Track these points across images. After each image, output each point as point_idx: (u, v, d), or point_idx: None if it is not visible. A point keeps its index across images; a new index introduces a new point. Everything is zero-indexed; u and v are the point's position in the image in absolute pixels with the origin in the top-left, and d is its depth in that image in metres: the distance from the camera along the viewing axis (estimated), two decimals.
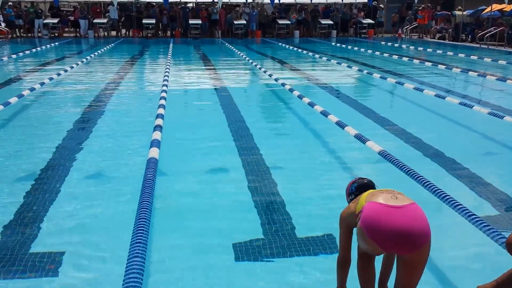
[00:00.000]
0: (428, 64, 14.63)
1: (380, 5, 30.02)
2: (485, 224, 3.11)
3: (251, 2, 27.53)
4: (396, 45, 22.99)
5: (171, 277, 3.17)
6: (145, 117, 7.40)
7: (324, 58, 16.42)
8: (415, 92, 9.48)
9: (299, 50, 19.97)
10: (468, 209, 3.29)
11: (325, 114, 6.78)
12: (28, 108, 8.39)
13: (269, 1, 25.58)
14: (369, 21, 28.91)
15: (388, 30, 30.69)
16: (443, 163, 5.49)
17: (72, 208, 4.18)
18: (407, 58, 15.96)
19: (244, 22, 26.96)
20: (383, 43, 24.24)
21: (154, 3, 27.81)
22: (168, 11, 26.92)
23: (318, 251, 3.49)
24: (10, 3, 26.01)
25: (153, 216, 3.70)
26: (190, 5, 28.63)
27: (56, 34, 26.25)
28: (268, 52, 19.98)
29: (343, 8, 29.59)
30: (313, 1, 27.95)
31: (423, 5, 27.64)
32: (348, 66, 14.29)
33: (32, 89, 8.99)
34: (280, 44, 22.82)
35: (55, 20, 25.88)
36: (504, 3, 21.81)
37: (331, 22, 28.20)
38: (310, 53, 18.06)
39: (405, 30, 27.92)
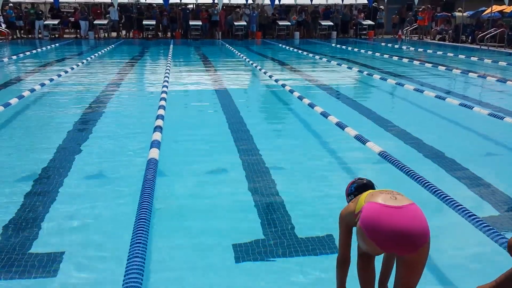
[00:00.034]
0: (428, 65, 14.64)
1: (380, 7, 30.04)
2: (485, 224, 3.11)
3: (251, 4, 27.54)
4: (396, 46, 23.00)
5: (171, 277, 3.17)
6: (145, 118, 7.40)
7: (324, 59, 16.43)
8: (415, 93, 9.48)
9: (299, 51, 19.99)
10: (468, 210, 3.30)
11: (325, 115, 6.78)
12: (29, 109, 8.40)
13: (269, 3, 25.59)
14: (369, 22, 28.94)
15: (388, 31, 30.72)
16: (443, 163, 5.49)
17: (72, 208, 4.19)
18: (407, 59, 15.97)
19: (245, 23, 26.98)
20: (383, 44, 24.26)
21: (154, 4, 27.83)
22: (168, 12, 26.94)
23: (318, 251, 3.49)
24: (11, 4, 26.02)
25: (153, 217, 3.70)
26: (190, 6, 28.64)
27: (57, 35, 26.28)
28: (268, 53, 20.00)
29: (343, 9, 29.61)
30: (313, 3, 27.94)
31: (423, 7, 27.65)
32: (348, 67, 14.30)
33: (32, 90, 9.00)
34: (280, 45, 22.84)
35: (56, 21, 25.90)
36: (504, 4, 21.81)
37: (331, 23, 28.22)
38: (310, 54, 18.07)
39: (405, 31, 27.93)
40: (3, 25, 24.96)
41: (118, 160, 5.55)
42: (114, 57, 17.53)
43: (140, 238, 2.71)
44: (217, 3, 24.79)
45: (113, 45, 21.29)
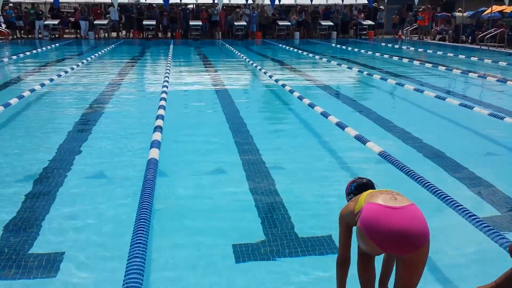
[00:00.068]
0: (429, 65, 14.64)
1: (380, 7, 30.04)
2: (486, 224, 3.11)
3: (251, 4, 27.55)
4: (396, 46, 23.00)
5: (171, 277, 3.17)
6: (146, 118, 7.40)
7: (324, 59, 16.43)
8: (415, 93, 9.48)
9: (299, 51, 19.99)
10: (468, 210, 3.29)
11: (325, 115, 6.78)
12: (29, 109, 8.40)
13: (270, 3, 25.59)
14: (369, 22, 28.94)
15: (388, 31, 30.72)
16: (444, 164, 5.49)
17: (72, 208, 4.19)
18: (407, 60, 15.96)
19: (245, 23, 26.98)
20: (383, 44, 24.27)
21: (154, 5, 27.83)
22: (168, 12, 26.94)
23: (318, 250, 3.49)
24: (11, 4, 26.02)
25: (154, 217, 3.70)
26: (190, 6, 28.64)
27: (57, 36, 26.28)
28: (269, 53, 20.00)
29: (343, 9, 29.61)
30: (313, 3, 27.96)
31: (423, 7, 27.65)
32: (348, 68, 14.30)
33: (32, 90, 9.00)
34: (280, 45, 22.84)
35: (56, 22, 25.91)
36: (505, 4, 21.81)
37: (331, 23, 28.23)
38: (310, 54, 18.07)
39: (405, 31, 27.94)
40: (3, 25, 24.97)
41: (118, 160, 5.55)
42: (114, 57, 17.53)
43: (140, 238, 2.71)
44: (217, 3, 24.80)
45: (113, 45, 21.29)
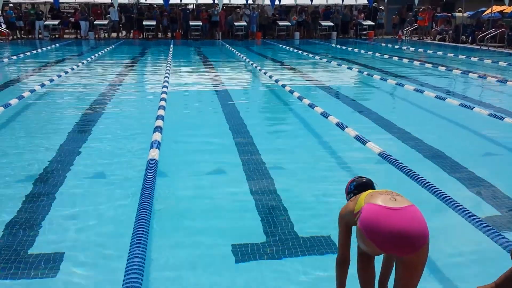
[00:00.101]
0: (429, 65, 14.64)
1: (381, 7, 30.05)
2: (485, 224, 3.11)
3: (251, 4, 27.56)
4: (396, 46, 23.00)
5: (171, 277, 3.17)
6: (146, 118, 7.40)
7: (325, 60, 16.44)
8: (416, 94, 9.48)
9: (300, 51, 19.99)
10: (468, 210, 3.29)
11: (325, 115, 6.78)
12: (29, 109, 8.40)
13: (270, 3, 25.60)
14: (370, 22, 28.94)
15: (389, 31, 30.72)
16: (444, 164, 5.49)
17: (72, 208, 4.19)
18: (408, 60, 15.96)
19: (245, 23, 26.99)
20: (383, 44, 24.27)
21: (155, 5, 27.84)
22: (168, 12, 26.95)
23: (318, 250, 3.49)
24: (11, 5, 26.03)
25: (153, 217, 3.70)
26: (190, 6, 28.64)
27: (57, 36, 26.29)
28: (269, 54, 20.00)
29: (344, 9, 29.62)
30: (313, 3, 27.96)
31: (423, 7, 27.65)
32: (349, 68, 14.30)
33: (32, 91, 9.00)
34: (280, 45, 22.84)
35: (56, 22, 25.92)
36: (505, 4, 21.81)
37: (331, 23, 28.23)
38: (311, 55, 18.07)
39: (405, 31, 27.94)
40: (3, 26, 24.97)
41: (118, 160, 5.55)
42: (114, 58, 17.54)
43: (140, 238, 2.71)
44: (217, 4, 24.80)
45: (113, 46, 21.30)
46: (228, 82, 11.84)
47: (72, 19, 27.11)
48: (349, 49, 20.85)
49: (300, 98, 8.37)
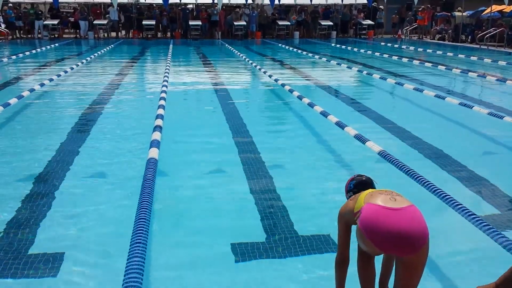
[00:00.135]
0: (428, 64, 14.64)
1: (380, 6, 30.04)
2: (485, 223, 3.11)
3: (251, 3, 27.54)
4: (396, 46, 23.01)
5: (171, 276, 3.17)
6: (145, 118, 7.39)
7: (324, 59, 16.44)
8: (415, 93, 9.48)
9: (299, 51, 19.99)
10: (468, 209, 3.29)
11: (325, 114, 6.78)
12: (28, 109, 8.40)
13: (269, 2, 25.58)
14: (369, 22, 28.94)
15: (388, 31, 30.72)
16: (443, 163, 5.49)
17: (72, 208, 4.18)
18: (407, 59, 15.96)
19: (244, 23, 26.98)
20: (382, 44, 24.26)
21: (154, 4, 27.83)
22: (168, 12, 26.93)
23: (318, 249, 3.49)
24: (10, 4, 26.02)
25: (153, 216, 3.70)
26: (190, 6, 28.63)
27: (56, 35, 26.28)
28: (268, 53, 20.00)
29: (343, 9, 29.61)
30: (313, 2, 27.95)
31: (422, 6, 27.66)
32: (348, 67, 14.31)
33: (32, 90, 8.99)
34: (280, 45, 22.84)
35: (55, 21, 25.91)
36: (504, 4, 21.82)
37: (331, 23, 28.23)
38: (310, 54, 18.08)
39: (405, 31, 27.94)
40: (3, 25, 24.96)
41: (118, 160, 5.54)
42: (114, 57, 17.52)
43: (140, 237, 2.71)
44: (217, 3, 24.79)
45: (112, 45, 21.29)
46: (228, 82, 11.84)
47: (72, 19, 27.09)
48: (349, 48, 20.85)
49: (299, 97, 8.37)
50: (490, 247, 3.26)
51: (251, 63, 14.64)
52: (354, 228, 2.55)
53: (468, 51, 19.66)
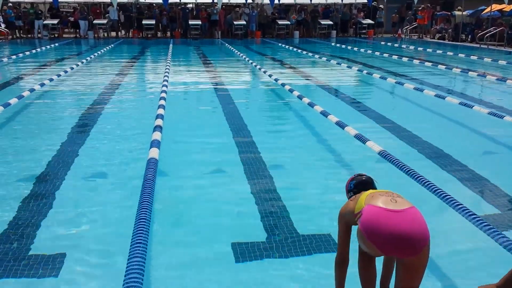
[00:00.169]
0: (428, 64, 14.64)
1: (380, 6, 30.03)
2: (486, 223, 3.11)
3: (250, 3, 27.53)
4: (396, 45, 23.00)
5: (171, 276, 3.17)
6: (145, 118, 7.39)
7: (324, 59, 16.43)
8: (415, 92, 9.48)
9: (299, 50, 19.98)
10: (468, 209, 3.29)
11: (325, 114, 6.78)
12: (28, 109, 8.39)
13: (269, 2, 25.58)
14: (369, 21, 28.94)
15: (388, 30, 30.71)
16: (443, 163, 5.49)
17: (72, 208, 4.18)
18: (407, 58, 15.96)
19: (244, 22, 26.97)
20: (382, 43, 24.26)
21: (154, 4, 27.82)
22: (168, 11, 26.93)
23: (318, 249, 3.49)
24: (10, 4, 26.02)
25: (154, 216, 3.70)
26: (190, 5, 28.63)
27: (56, 35, 26.27)
28: (268, 53, 19.99)
29: (343, 8, 29.61)
30: (312, 2, 27.95)
31: (422, 6, 27.65)
32: (348, 67, 14.30)
33: (32, 90, 8.99)
34: (280, 44, 22.83)
35: (55, 21, 25.91)
36: (504, 3, 21.81)
37: (330, 22, 28.22)
38: (310, 54, 18.07)
39: (404, 30, 27.93)
40: (3, 25, 24.96)
41: (118, 160, 5.54)
42: (114, 57, 17.52)
43: (140, 238, 2.71)
44: (217, 3, 24.79)
45: (112, 45, 21.29)
46: (228, 81, 11.84)
47: (71, 19, 27.08)
48: (349, 47, 20.84)
49: (299, 97, 8.37)
50: (490, 247, 3.26)
51: (251, 63, 14.63)
52: (354, 228, 2.55)
53: (468, 50, 19.66)
